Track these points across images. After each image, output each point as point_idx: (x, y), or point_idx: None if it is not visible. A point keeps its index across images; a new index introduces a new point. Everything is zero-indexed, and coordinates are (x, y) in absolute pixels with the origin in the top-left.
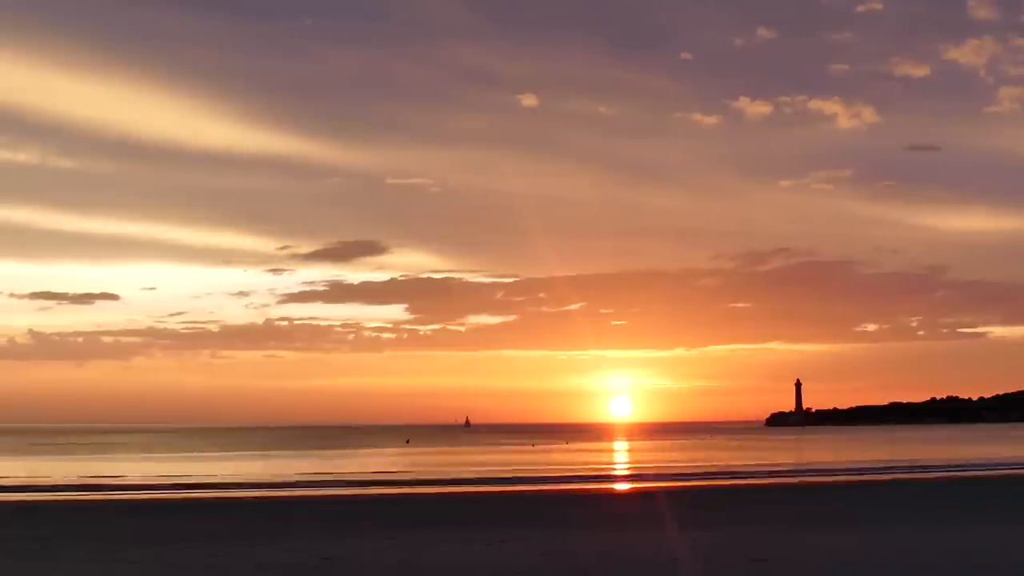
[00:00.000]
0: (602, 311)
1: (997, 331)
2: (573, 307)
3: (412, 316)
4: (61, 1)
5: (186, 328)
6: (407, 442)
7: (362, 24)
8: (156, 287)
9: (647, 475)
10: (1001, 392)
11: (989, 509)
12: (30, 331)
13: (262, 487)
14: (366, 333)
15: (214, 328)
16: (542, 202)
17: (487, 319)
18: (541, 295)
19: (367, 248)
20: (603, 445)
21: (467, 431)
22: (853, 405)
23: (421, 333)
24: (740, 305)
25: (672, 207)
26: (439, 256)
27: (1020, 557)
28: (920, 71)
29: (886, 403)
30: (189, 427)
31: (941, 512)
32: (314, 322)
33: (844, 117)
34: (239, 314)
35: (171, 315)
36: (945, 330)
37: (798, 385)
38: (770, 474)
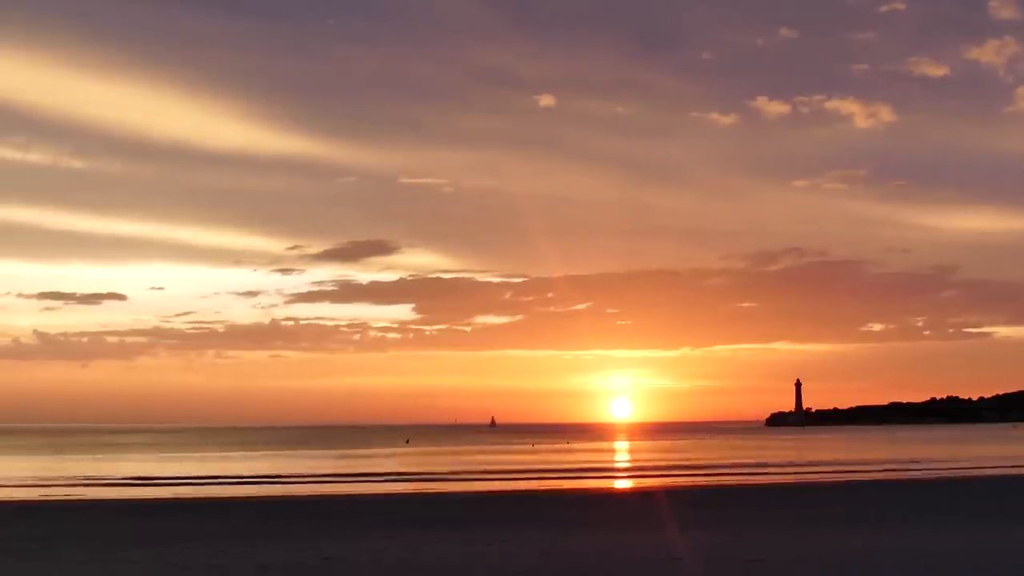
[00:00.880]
0: (609, 311)
1: (1002, 331)
2: (580, 307)
3: (418, 316)
4: (75, 2)
5: (192, 328)
6: (407, 442)
7: (379, 24)
8: (164, 287)
9: (647, 475)
10: (1001, 392)
11: (989, 509)
12: (35, 331)
13: (262, 487)
14: (372, 333)
15: (220, 328)
16: (554, 202)
17: (493, 319)
18: (549, 295)
19: (377, 248)
20: (603, 445)
21: (492, 431)
22: (853, 405)
23: (427, 333)
24: (747, 305)
25: (684, 207)
26: (449, 256)
27: (1020, 557)
28: (939, 71)
29: (886, 403)
30: (193, 427)
31: (941, 512)
32: (320, 322)
33: (861, 117)
34: (245, 314)
35: (178, 315)
36: (951, 330)
37: (798, 385)
38: (769, 474)
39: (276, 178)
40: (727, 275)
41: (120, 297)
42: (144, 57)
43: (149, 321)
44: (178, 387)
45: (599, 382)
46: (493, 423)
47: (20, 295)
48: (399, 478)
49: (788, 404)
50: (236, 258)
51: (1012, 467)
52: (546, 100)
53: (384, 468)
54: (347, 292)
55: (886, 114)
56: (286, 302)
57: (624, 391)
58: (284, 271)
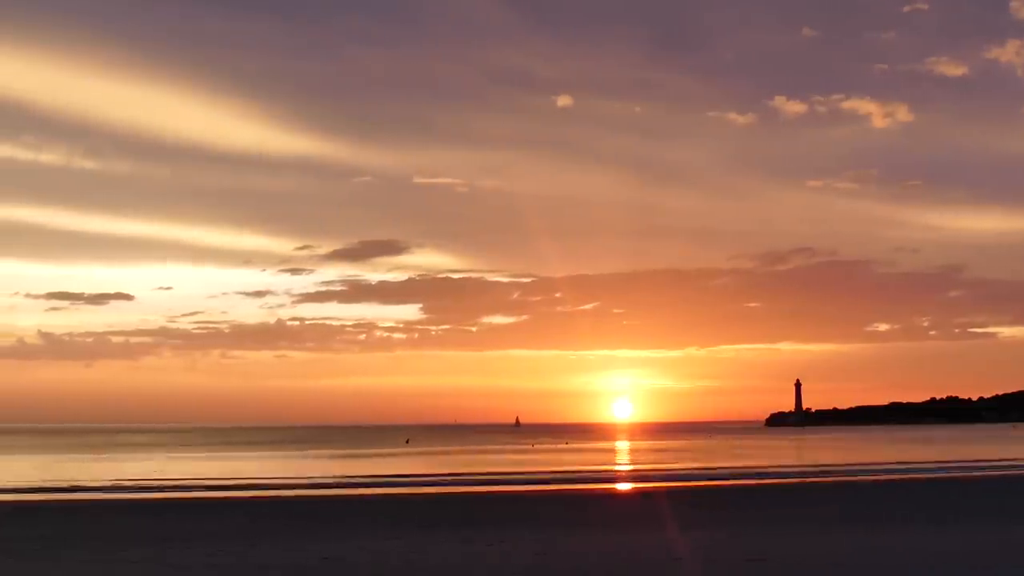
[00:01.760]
0: (615, 311)
1: (1007, 331)
2: (586, 307)
3: (425, 316)
4: (88, 2)
5: (198, 328)
6: (407, 442)
7: (394, 25)
8: (173, 287)
9: (646, 475)
10: (1001, 392)
11: (988, 509)
12: (40, 331)
13: (262, 487)
14: (378, 333)
15: (226, 328)
16: (566, 203)
17: (500, 319)
18: (557, 295)
19: (388, 248)
20: (603, 445)
21: (516, 431)
22: (853, 405)
23: (433, 333)
24: (753, 305)
25: (694, 207)
26: (459, 256)
27: (1019, 557)
28: (958, 70)
29: (886, 403)
30: (197, 427)
31: (940, 512)
32: (327, 322)
33: (878, 117)
34: (252, 314)
35: (184, 315)
36: (957, 330)
37: (798, 385)
38: (768, 474)
39: (288, 178)
40: (735, 275)
41: (127, 297)
42: (157, 57)
43: (155, 321)
44: (183, 387)
45: (602, 382)
46: (517, 423)
47: (28, 295)
48: (399, 478)
49: (789, 404)
50: (246, 258)
51: (1012, 467)
52: (563, 100)
53: (384, 468)
54: (355, 292)
55: (903, 114)
56: (294, 302)
57: (626, 391)
58: (293, 271)
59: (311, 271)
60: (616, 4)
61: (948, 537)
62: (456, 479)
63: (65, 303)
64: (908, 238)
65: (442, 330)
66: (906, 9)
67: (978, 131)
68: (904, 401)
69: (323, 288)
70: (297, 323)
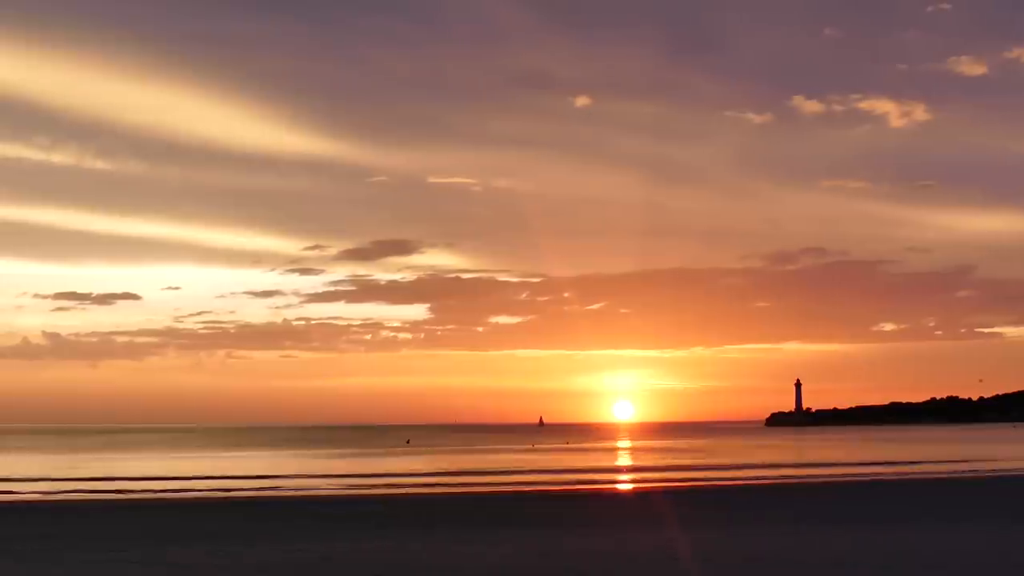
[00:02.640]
0: (622, 311)
1: (1013, 331)
2: (594, 307)
3: (432, 316)
4: (100, 3)
5: (205, 328)
6: (407, 442)
7: (412, 25)
8: (181, 287)
9: (645, 475)
10: (1002, 392)
11: (988, 509)
12: (45, 332)
13: (261, 487)
14: (384, 333)
15: (232, 328)
16: (580, 203)
17: (506, 319)
18: (565, 294)
19: (399, 247)
20: (604, 445)
21: (540, 430)
22: (853, 405)
23: (438, 333)
24: (761, 305)
25: (708, 207)
26: (470, 256)
27: (1019, 557)
28: (978, 70)
29: (886, 403)
30: (202, 427)
31: (940, 512)
32: (333, 322)
33: (895, 116)
34: (259, 314)
35: (191, 315)
36: (963, 330)
37: (798, 385)
38: (768, 474)
39: (302, 179)
40: (744, 275)
41: (134, 297)
42: (170, 58)
43: (161, 321)
44: (188, 387)
45: (606, 382)
46: (541, 423)
47: (36, 295)
48: (399, 478)
49: (790, 404)
50: (257, 258)
51: (1012, 467)
52: (582, 101)
53: (384, 469)
54: (364, 292)
55: (920, 113)
56: (302, 302)
57: (629, 391)
58: (303, 271)
59: (321, 271)
60: (636, 5)
61: (948, 537)
62: (456, 479)
63: (72, 303)
64: (920, 238)
65: (448, 330)
66: (929, 9)
67: (994, 131)
68: (904, 401)
69: (331, 288)
70: (303, 323)
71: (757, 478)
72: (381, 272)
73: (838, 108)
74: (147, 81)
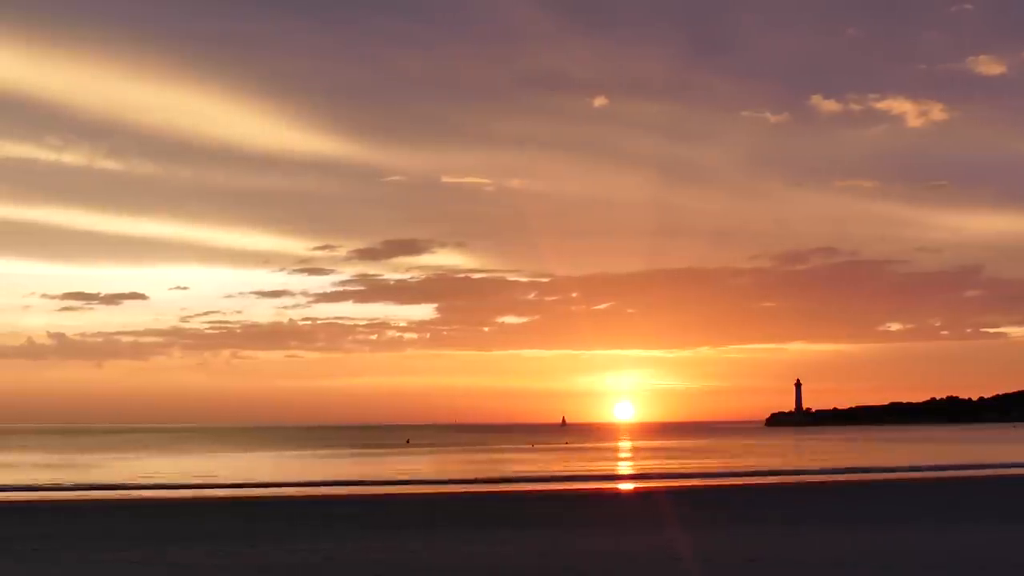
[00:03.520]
0: (628, 311)
1: (1018, 331)
2: (600, 307)
3: (439, 316)
4: (111, 4)
5: (210, 328)
6: (407, 442)
7: (427, 26)
8: (189, 287)
9: (645, 475)
10: (1003, 392)
11: (987, 509)
12: (49, 332)
13: (262, 487)
14: (389, 333)
15: (237, 328)
16: (592, 203)
17: (512, 319)
18: (573, 294)
19: (408, 247)
20: (604, 445)
21: (562, 430)
22: (853, 405)
23: (444, 333)
24: (768, 305)
25: (719, 207)
26: (480, 255)
27: (1018, 557)
28: (997, 69)
29: (886, 403)
30: (206, 427)
31: (940, 512)
32: (339, 322)
33: (912, 116)
34: (265, 314)
35: (198, 315)
36: (968, 330)
37: (798, 385)
38: (768, 474)
39: (314, 179)
40: (753, 275)
41: (141, 297)
42: (182, 58)
43: (168, 321)
44: (192, 387)
45: (609, 382)
46: (564, 423)
47: (44, 295)
48: (399, 478)
49: (791, 404)
50: (265, 259)
51: (1012, 467)
52: (599, 101)
53: (385, 468)
54: (372, 292)
55: (937, 113)
56: (310, 302)
57: (631, 392)
58: (312, 271)
59: (330, 271)
60: (654, 5)
61: (948, 537)
62: (455, 479)
63: (80, 303)
64: (931, 238)
65: (453, 330)
66: (953, 9)
67: (1011, 131)
68: (904, 401)
69: (340, 288)
70: (309, 323)
71: (756, 473)
72: (390, 272)
73: (855, 108)
74: (159, 81)
